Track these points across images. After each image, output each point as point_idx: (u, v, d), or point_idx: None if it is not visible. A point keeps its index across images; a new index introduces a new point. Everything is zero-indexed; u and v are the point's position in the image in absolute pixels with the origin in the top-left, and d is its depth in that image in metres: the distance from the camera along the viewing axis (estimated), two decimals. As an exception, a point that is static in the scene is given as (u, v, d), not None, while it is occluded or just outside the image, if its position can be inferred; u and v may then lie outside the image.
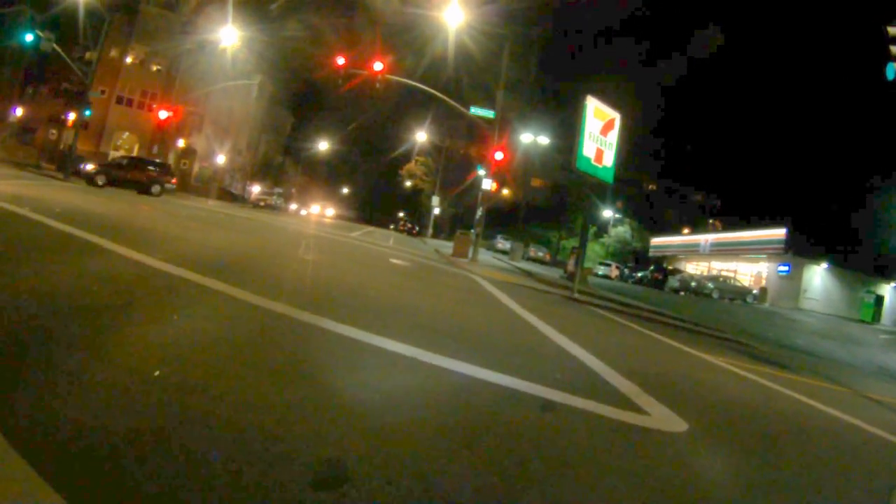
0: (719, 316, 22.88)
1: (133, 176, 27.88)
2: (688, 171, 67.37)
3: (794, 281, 41.78)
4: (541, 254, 51.20)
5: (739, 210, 58.20)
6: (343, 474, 2.62)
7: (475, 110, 25.83)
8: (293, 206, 64.25)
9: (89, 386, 2.98)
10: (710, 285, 37.04)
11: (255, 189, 58.76)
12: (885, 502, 4.04)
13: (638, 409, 4.91)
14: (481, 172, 26.18)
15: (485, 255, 30.62)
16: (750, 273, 46.49)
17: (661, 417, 4.83)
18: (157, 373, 3.31)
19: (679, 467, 3.88)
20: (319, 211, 69.35)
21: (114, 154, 41.30)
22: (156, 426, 2.69)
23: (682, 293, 35.51)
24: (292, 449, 2.74)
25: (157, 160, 32.90)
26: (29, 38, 28.49)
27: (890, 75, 10.18)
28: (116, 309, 4.61)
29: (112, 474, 2.24)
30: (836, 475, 4.78)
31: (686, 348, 10.87)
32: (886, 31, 10.07)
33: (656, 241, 60.90)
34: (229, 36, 33.23)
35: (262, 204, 51.39)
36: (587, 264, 25.63)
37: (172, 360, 3.61)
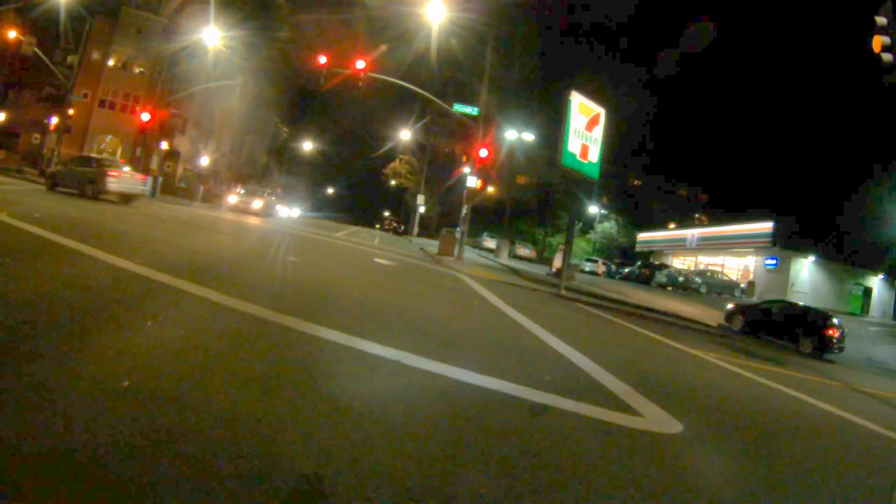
0: (707, 311, 22.89)
1: None
2: (674, 165, 67.36)
3: (781, 274, 41.90)
4: (527, 251, 51.07)
5: (726, 204, 58.37)
6: (320, 492, 2.44)
7: (458, 107, 25.69)
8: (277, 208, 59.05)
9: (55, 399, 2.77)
10: (698, 280, 37.10)
11: (241, 191, 55.43)
12: (887, 502, 3.92)
13: (631, 411, 4.78)
14: (466, 170, 26.01)
15: (470, 254, 30.52)
16: (737, 267, 46.73)
17: (655, 419, 4.70)
18: (126, 383, 3.10)
19: (677, 471, 3.75)
20: (297, 212, 62.54)
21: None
22: (124, 441, 2.47)
23: (670, 288, 35.60)
24: (265, 465, 2.54)
25: None
26: (11, 39, 27.98)
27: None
28: (89, 315, 4.37)
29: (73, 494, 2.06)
30: (835, 474, 4.67)
31: (675, 344, 10.81)
32: (875, 21, 10.04)
33: (643, 236, 60.99)
34: (211, 37, 32.84)
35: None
36: (573, 261, 25.52)
37: (144, 369, 3.40)
